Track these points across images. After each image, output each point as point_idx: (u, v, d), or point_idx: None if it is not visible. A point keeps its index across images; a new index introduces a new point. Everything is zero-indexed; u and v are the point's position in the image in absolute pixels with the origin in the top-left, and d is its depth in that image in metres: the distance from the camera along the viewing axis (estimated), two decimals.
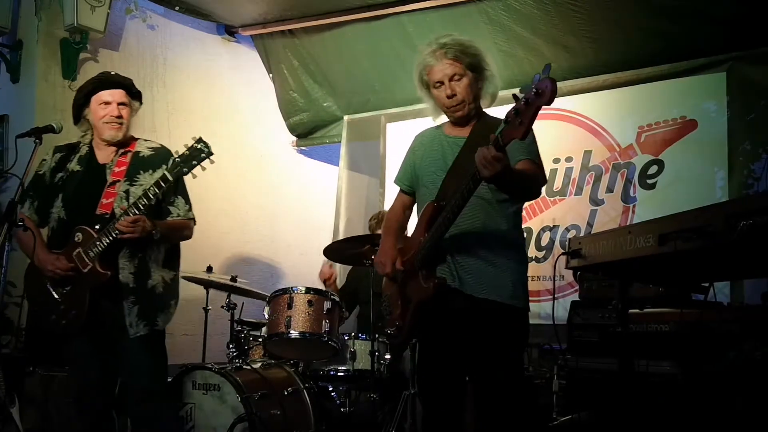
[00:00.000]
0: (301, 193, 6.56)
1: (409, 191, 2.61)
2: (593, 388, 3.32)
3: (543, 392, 3.82)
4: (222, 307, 3.97)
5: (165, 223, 2.88)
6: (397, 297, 2.48)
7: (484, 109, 2.55)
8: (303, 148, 6.55)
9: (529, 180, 2.32)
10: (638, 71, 4.69)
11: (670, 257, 2.04)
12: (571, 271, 4.44)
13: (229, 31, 5.99)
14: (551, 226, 4.92)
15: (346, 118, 6.09)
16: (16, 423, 3.25)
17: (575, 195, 4.86)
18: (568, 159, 4.91)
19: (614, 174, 4.72)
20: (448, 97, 2.41)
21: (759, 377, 2.58)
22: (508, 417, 2.30)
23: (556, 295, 4.47)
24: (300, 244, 6.41)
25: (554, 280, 4.54)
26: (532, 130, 2.26)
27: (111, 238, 2.72)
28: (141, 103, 3.03)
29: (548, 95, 1.92)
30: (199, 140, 2.76)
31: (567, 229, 4.87)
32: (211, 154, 2.76)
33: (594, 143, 4.82)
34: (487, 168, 2.03)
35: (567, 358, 3.57)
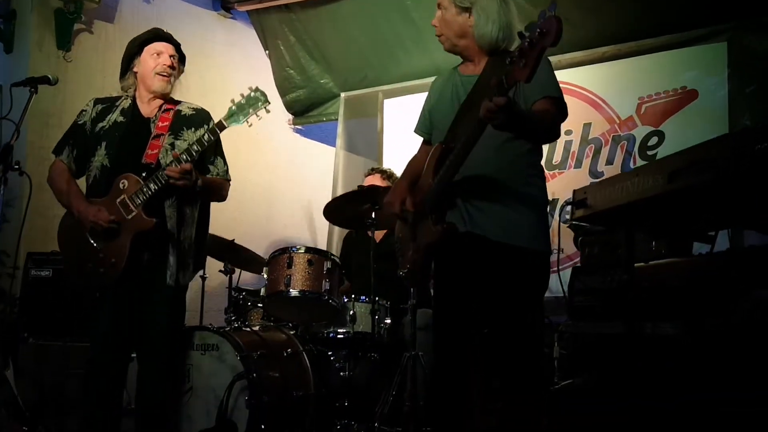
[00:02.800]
0: (298, 172, 6.52)
1: (429, 138, 2.54)
2: (594, 353, 3.29)
3: (544, 361, 3.79)
4: (220, 271, 3.93)
5: (206, 179, 2.91)
6: (408, 240, 2.43)
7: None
8: (299, 127, 6.50)
9: (545, 122, 2.23)
10: (638, 43, 4.66)
11: (679, 194, 2.01)
12: (570, 245, 4.47)
13: (225, 6, 5.94)
14: (550, 199, 4.88)
15: (343, 95, 6.05)
16: (11, 385, 3.20)
17: (575, 168, 4.84)
18: (568, 132, 4.88)
19: (614, 146, 4.70)
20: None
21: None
22: (524, 365, 2.25)
23: (552, 269, 4.46)
24: (296, 223, 6.37)
25: (558, 253, 4.50)
26: (548, 63, 2.21)
27: (159, 185, 2.73)
28: (184, 68, 3.06)
29: (553, 35, 1.83)
30: (256, 89, 2.83)
31: (566, 203, 4.84)
32: (268, 102, 2.83)
33: (593, 115, 4.80)
34: (494, 119, 1.98)
35: (567, 324, 3.53)
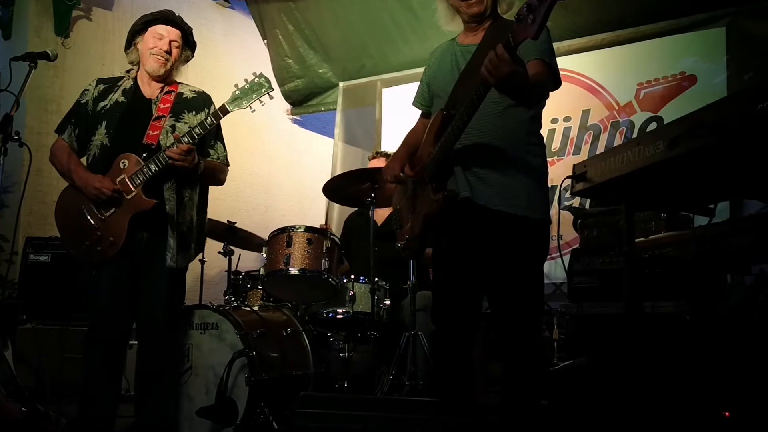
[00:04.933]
0: (296, 162, 6.53)
1: (428, 111, 2.53)
2: (594, 334, 3.29)
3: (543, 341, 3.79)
4: (219, 252, 3.93)
5: (207, 162, 2.92)
6: (407, 211, 2.43)
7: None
8: (297, 117, 6.50)
9: (535, 86, 2.18)
10: (637, 29, 4.68)
11: (681, 161, 2.00)
12: (568, 232, 4.47)
13: None
14: (549, 186, 4.88)
15: (341, 84, 6.06)
16: (9, 365, 3.19)
17: (573, 154, 4.85)
18: (566, 119, 4.90)
19: (613, 132, 4.71)
20: None
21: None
22: (523, 338, 2.23)
23: (552, 255, 4.46)
24: (294, 213, 6.37)
25: (558, 239, 4.49)
26: (547, 28, 2.19)
27: (160, 165, 2.73)
28: (192, 55, 3.06)
29: None
30: (260, 75, 2.86)
31: (565, 189, 4.84)
32: (272, 89, 2.88)
33: (592, 102, 4.81)
34: (492, 72, 1.92)
35: (567, 305, 3.53)
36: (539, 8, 1.82)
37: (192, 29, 3.05)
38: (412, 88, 5.41)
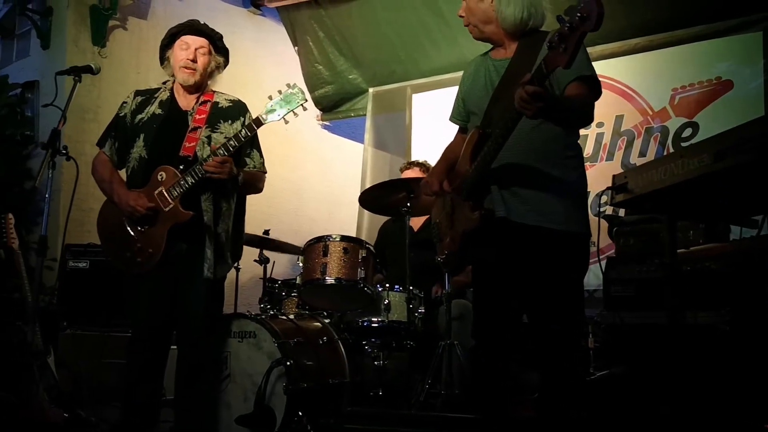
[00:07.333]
0: (326, 167, 6.56)
1: (465, 126, 2.54)
2: (630, 343, 3.27)
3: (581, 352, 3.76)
4: (255, 260, 3.96)
5: (245, 172, 2.94)
6: (446, 226, 2.44)
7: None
8: (327, 123, 6.53)
9: (578, 108, 2.20)
10: (671, 33, 4.63)
11: (726, 174, 1.98)
12: (602, 239, 4.43)
13: (255, 3, 6.00)
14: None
15: (371, 90, 6.08)
16: (52, 370, 3.27)
17: (607, 161, 4.82)
18: (599, 124, 4.86)
19: (647, 138, 4.67)
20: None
21: None
22: (562, 352, 2.22)
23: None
24: (324, 219, 6.40)
25: (597, 247, 4.46)
26: (583, 45, 2.20)
27: (196, 178, 2.76)
28: (227, 61, 3.06)
29: (594, 20, 1.79)
30: (294, 86, 2.85)
31: (598, 195, 4.81)
32: (305, 100, 2.86)
33: (626, 107, 4.77)
34: (527, 108, 1.95)
35: (603, 314, 3.51)
36: (571, 38, 1.81)
37: (221, 35, 3.06)
38: (441, 94, 5.51)
